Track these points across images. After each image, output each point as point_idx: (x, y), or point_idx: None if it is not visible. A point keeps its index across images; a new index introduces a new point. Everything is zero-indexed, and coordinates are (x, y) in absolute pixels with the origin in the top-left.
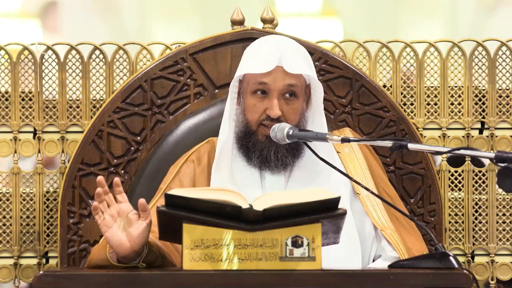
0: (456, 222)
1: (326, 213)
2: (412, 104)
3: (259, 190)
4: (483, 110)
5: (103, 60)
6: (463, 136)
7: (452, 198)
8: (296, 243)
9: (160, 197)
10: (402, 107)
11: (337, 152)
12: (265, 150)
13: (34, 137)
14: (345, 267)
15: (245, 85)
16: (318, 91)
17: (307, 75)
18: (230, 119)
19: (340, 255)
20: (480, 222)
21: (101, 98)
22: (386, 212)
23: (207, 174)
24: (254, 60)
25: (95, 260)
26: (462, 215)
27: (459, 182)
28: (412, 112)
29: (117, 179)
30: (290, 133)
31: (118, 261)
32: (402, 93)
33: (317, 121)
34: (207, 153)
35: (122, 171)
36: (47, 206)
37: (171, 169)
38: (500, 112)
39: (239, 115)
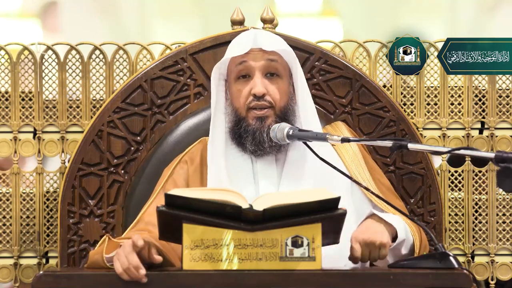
0: (456, 222)
1: (326, 213)
2: (412, 104)
3: (252, 183)
4: (483, 110)
5: (103, 60)
6: (463, 136)
7: (452, 198)
8: (296, 243)
9: (155, 198)
10: (402, 107)
11: (332, 144)
12: (257, 133)
13: (34, 137)
14: (345, 267)
15: (228, 78)
16: (297, 78)
17: (284, 51)
18: (220, 112)
19: (338, 252)
20: (480, 222)
21: (101, 98)
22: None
23: (200, 173)
24: (231, 49)
25: (91, 264)
26: (462, 215)
27: (459, 182)
28: (412, 112)
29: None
30: (290, 133)
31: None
32: (402, 93)
33: (307, 107)
34: (200, 152)
35: (122, 171)
36: (47, 206)
37: (165, 171)
38: (500, 112)
39: (228, 108)
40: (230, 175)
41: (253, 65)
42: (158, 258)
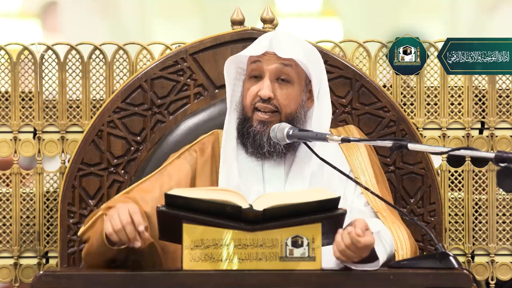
0: (456, 222)
1: (326, 213)
2: (412, 104)
3: (260, 182)
4: (483, 110)
5: (103, 60)
6: (463, 136)
7: (452, 198)
8: (296, 243)
9: (152, 176)
10: (402, 107)
11: (341, 148)
12: (258, 136)
13: (34, 137)
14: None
15: (246, 74)
16: (318, 84)
17: (302, 63)
18: (232, 108)
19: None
20: (480, 222)
21: (101, 98)
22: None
23: (210, 165)
24: (250, 46)
25: (92, 249)
26: (462, 215)
27: (459, 182)
28: (412, 112)
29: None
30: (290, 133)
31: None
32: (402, 93)
33: (321, 116)
34: (211, 144)
35: (122, 171)
36: (47, 206)
37: (172, 155)
38: (500, 112)
39: (239, 104)
40: (241, 174)
41: (265, 67)
42: (147, 237)
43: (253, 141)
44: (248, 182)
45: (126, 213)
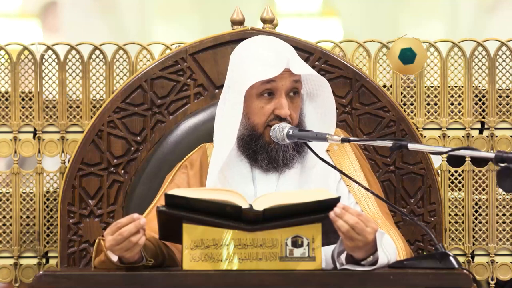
0: (456, 222)
1: (326, 213)
2: (412, 104)
3: (251, 187)
4: (483, 110)
5: (103, 60)
6: (463, 136)
7: (452, 198)
8: (296, 243)
9: (155, 205)
10: (402, 107)
11: (327, 151)
12: (273, 151)
13: (34, 137)
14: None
15: (247, 91)
16: (321, 87)
17: (312, 75)
18: (232, 127)
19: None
20: (480, 222)
21: (101, 98)
22: (377, 204)
23: (199, 177)
24: (259, 67)
25: (98, 265)
26: (462, 215)
27: (459, 182)
28: (412, 112)
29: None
30: (290, 133)
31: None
32: (402, 93)
33: (325, 117)
34: (199, 158)
35: (122, 171)
36: (47, 206)
37: (167, 177)
38: (500, 112)
39: (242, 120)
40: (228, 178)
41: (280, 86)
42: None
43: (268, 156)
44: (238, 185)
45: (112, 228)
